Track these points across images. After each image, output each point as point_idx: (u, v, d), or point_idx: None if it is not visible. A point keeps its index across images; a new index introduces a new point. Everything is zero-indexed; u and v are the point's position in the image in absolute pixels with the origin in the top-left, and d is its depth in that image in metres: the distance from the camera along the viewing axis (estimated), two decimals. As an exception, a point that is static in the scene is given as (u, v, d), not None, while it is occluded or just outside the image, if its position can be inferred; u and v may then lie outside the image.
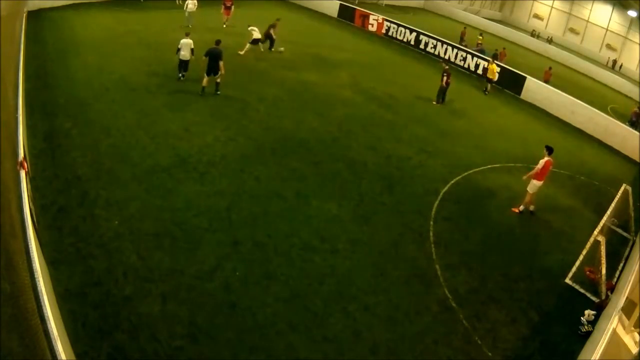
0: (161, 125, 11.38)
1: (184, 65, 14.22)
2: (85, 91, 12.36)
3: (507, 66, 23.07)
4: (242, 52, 17.94)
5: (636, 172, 16.60)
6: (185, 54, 14.01)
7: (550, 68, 27.34)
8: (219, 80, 13.77)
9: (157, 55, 16.11)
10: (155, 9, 22.50)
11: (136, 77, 13.89)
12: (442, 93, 17.68)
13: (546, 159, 10.71)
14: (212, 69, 13.45)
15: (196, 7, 19.82)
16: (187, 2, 19.76)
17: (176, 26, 19.01)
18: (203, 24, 20.26)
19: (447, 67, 17.98)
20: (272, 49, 19.17)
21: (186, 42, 13.94)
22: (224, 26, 21.34)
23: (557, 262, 9.73)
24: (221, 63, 13.51)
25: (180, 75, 14.35)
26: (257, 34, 18.02)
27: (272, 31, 19.03)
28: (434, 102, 17.62)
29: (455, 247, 9.39)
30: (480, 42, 31.01)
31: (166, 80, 14.11)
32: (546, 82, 25.66)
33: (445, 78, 17.44)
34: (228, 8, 21.39)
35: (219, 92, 13.86)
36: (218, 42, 13.67)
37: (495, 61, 21.48)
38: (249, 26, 18.14)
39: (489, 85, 20.95)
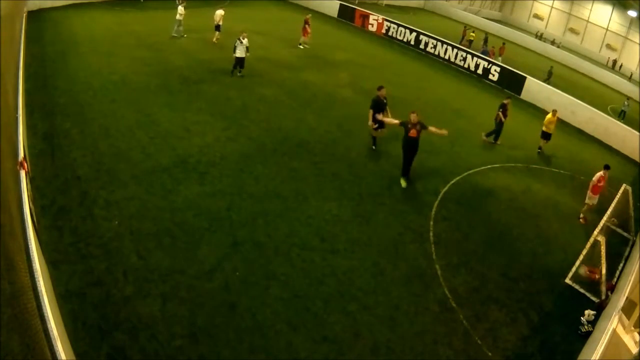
0: (161, 125, 11.38)
1: (239, 62, 15.59)
2: (85, 91, 12.37)
3: (507, 66, 23.08)
4: (215, 40, 18.76)
5: (636, 172, 16.59)
6: (240, 52, 15.41)
7: (504, 44, 30.67)
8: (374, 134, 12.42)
9: (157, 55, 16.13)
10: (155, 9, 22.51)
11: (136, 77, 13.89)
12: (497, 131, 15.02)
13: (599, 173, 11.35)
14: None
15: (183, 15, 18.63)
16: (178, 9, 18.44)
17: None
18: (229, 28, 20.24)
19: (506, 101, 15.16)
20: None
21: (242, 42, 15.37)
22: (307, 46, 21.34)
23: (557, 262, 9.73)
24: (378, 115, 11.62)
25: (237, 71, 15.69)
26: (217, 20, 18.62)
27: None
28: (487, 139, 15.16)
29: (455, 247, 9.38)
30: (472, 38, 31.21)
31: (166, 80, 14.11)
32: (500, 56, 28.04)
33: (501, 112, 14.82)
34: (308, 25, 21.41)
35: (373, 148, 12.59)
36: (379, 88, 12.03)
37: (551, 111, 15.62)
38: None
39: (543, 142, 15.53)
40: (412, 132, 10.85)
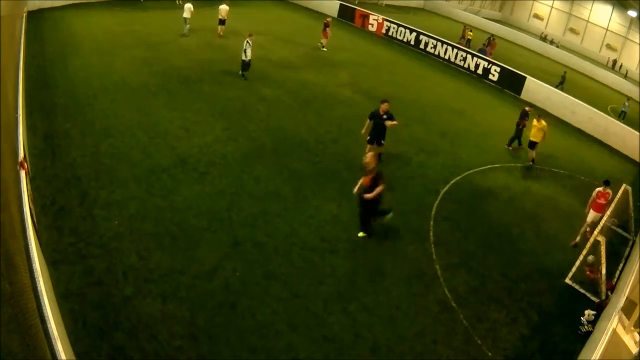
0: (161, 125, 11.38)
1: (245, 65, 15.56)
2: (85, 91, 12.36)
3: (507, 66, 23.06)
4: (221, 34, 19.77)
5: (636, 172, 16.59)
6: (249, 55, 15.41)
7: (494, 39, 31.05)
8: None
9: (157, 55, 16.12)
10: (155, 9, 22.51)
11: (136, 77, 13.89)
12: (517, 137, 14.96)
13: (598, 189, 10.51)
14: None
15: (192, 13, 18.87)
16: (185, 7, 18.76)
17: (176, 27, 19.00)
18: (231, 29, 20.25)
19: (528, 109, 15.16)
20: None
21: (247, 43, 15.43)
22: (325, 49, 21.49)
23: (557, 262, 9.73)
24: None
25: (242, 73, 15.70)
26: (223, 15, 19.64)
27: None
28: (507, 147, 15.02)
29: (455, 247, 9.38)
30: (470, 37, 31.15)
31: (166, 80, 14.11)
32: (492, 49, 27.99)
33: (521, 120, 14.77)
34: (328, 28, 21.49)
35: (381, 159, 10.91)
36: (382, 102, 11.23)
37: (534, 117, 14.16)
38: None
39: (532, 153, 14.07)
40: (364, 180, 8.15)
